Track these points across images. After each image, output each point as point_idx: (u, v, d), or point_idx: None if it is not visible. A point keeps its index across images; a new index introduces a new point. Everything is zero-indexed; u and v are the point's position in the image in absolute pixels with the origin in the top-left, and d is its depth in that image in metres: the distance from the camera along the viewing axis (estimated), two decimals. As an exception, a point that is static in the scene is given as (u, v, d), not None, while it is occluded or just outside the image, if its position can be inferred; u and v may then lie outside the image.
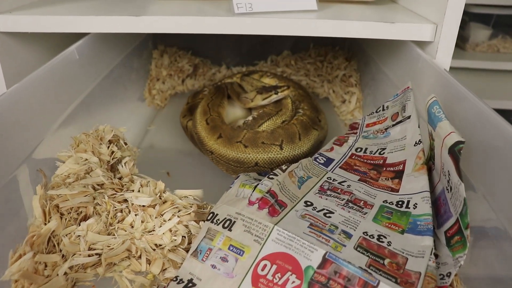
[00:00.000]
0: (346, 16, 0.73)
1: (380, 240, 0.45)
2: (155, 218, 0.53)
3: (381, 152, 0.63)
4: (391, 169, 0.59)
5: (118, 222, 0.53)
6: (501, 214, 0.44)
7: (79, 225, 0.51)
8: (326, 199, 0.52)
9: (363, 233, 0.46)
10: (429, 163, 0.56)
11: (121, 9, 0.73)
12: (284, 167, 0.54)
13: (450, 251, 0.46)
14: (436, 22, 0.70)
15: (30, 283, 0.45)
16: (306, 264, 0.41)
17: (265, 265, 0.42)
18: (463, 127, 0.53)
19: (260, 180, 0.53)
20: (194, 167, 0.80)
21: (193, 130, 0.77)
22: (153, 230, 0.52)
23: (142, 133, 0.93)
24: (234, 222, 0.46)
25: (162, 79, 1.11)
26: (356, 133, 0.71)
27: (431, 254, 0.43)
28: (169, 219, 0.53)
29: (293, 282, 0.40)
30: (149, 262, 0.51)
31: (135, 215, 0.53)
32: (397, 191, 0.55)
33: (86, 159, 0.58)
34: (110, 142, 0.63)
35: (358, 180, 0.58)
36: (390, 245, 0.45)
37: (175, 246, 0.51)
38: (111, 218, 0.53)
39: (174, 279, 0.45)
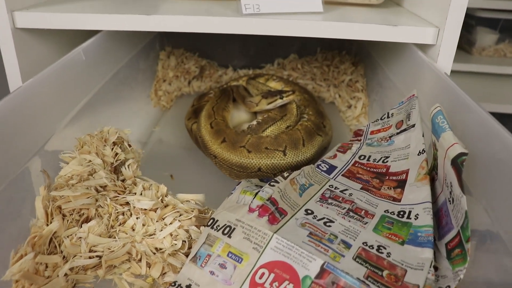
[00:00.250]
0: (350, 18, 0.74)
1: (380, 251, 0.45)
2: (156, 221, 0.53)
3: (385, 161, 0.63)
4: (394, 178, 0.59)
5: (119, 225, 0.53)
6: (502, 229, 0.44)
7: (81, 226, 0.51)
8: (327, 207, 0.52)
9: (363, 243, 0.46)
10: (432, 173, 0.56)
11: (133, 8, 0.75)
12: (285, 174, 0.54)
13: (450, 264, 0.45)
14: (438, 26, 0.71)
15: (31, 283, 0.45)
16: (304, 274, 0.41)
17: (263, 273, 0.42)
18: (461, 130, 0.53)
19: (261, 186, 0.53)
20: (198, 170, 0.81)
21: (197, 133, 0.77)
22: (154, 234, 0.52)
23: (147, 134, 0.94)
24: (234, 229, 0.46)
25: (169, 80, 1.12)
26: (360, 140, 0.71)
27: (430, 267, 0.43)
28: (170, 223, 0.53)
29: (291, 291, 0.40)
30: (149, 265, 0.51)
31: (137, 218, 0.53)
32: (399, 200, 0.54)
33: (90, 161, 0.58)
34: (114, 144, 0.63)
35: (360, 188, 0.58)
36: (389, 256, 0.45)
37: (175, 250, 0.51)
38: (112, 220, 0.53)
39: (173, 284, 0.45)
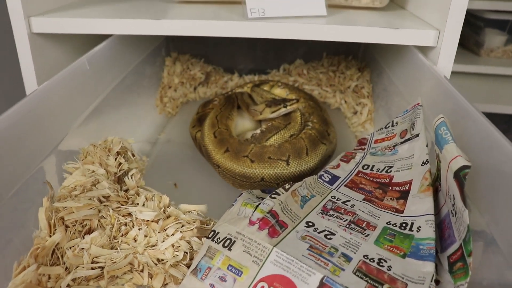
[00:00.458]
0: (353, 21, 0.76)
1: (381, 264, 0.45)
2: (158, 232, 0.53)
3: (388, 170, 0.62)
4: (397, 188, 0.58)
5: (121, 236, 0.53)
6: (505, 242, 0.43)
7: (83, 238, 0.52)
8: (328, 219, 0.52)
9: (364, 256, 0.46)
10: (436, 183, 0.56)
11: (143, 13, 0.79)
12: (287, 186, 0.54)
13: (452, 278, 0.45)
14: (439, 28, 0.72)
15: (33, 295, 0.46)
16: (303, 288, 0.41)
17: (262, 287, 0.42)
18: (459, 133, 0.53)
19: (263, 198, 0.53)
20: (202, 178, 0.81)
21: (201, 142, 0.77)
22: (156, 245, 0.53)
23: (152, 141, 0.94)
24: (234, 241, 0.46)
25: (174, 86, 1.12)
26: (364, 149, 0.70)
27: (431, 281, 0.43)
28: (172, 234, 0.53)
29: (290, 306, 0.40)
30: (151, 276, 0.52)
31: (139, 229, 0.53)
32: (402, 212, 0.54)
33: (93, 171, 0.59)
34: (118, 153, 0.64)
35: (363, 199, 0.57)
36: (390, 269, 0.44)
37: (177, 261, 0.51)
38: (115, 231, 0.54)
39: (173, 296, 0.45)
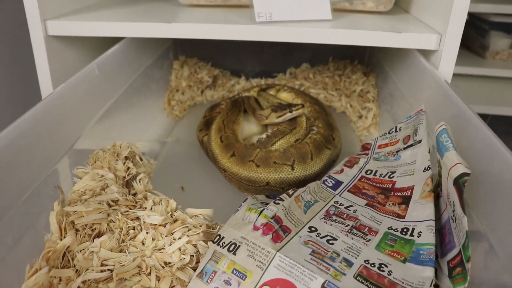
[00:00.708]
0: (357, 25, 0.78)
1: (381, 269, 0.46)
2: (166, 236, 0.55)
3: (391, 176, 0.63)
4: (399, 194, 0.59)
5: (130, 239, 0.55)
6: (503, 249, 0.44)
7: (93, 241, 0.53)
8: (331, 224, 0.53)
9: (365, 261, 0.47)
10: (437, 189, 0.57)
11: (154, 17, 0.82)
12: (291, 191, 0.56)
13: (451, 283, 0.46)
14: (441, 32, 0.73)
15: (45, 297, 0.48)
16: (305, 292, 0.42)
17: (266, 291, 0.44)
18: (458, 138, 0.54)
19: (267, 203, 0.54)
20: (209, 182, 0.82)
21: (208, 146, 0.79)
22: (163, 248, 0.54)
23: (160, 144, 0.96)
24: (239, 246, 0.48)
25: (182, 90, 1.14)
26: (367, 154, 0.71)
27: (431, 286, 0.44)
28: (179, 238, 0.55)
29: (292, 309, 0.42)
30: (158, 279, 0.53)
31: (147, 233, 0.55)
32: (403, 217, 0.55)
33: (102, 175, 0.61)
34: (126, 158, 0.65)
35: (365, 204, 0.59)
36: (390, 274, 0.46)
37: (184, 265, 0.53)
38: (123, 235, 0.55)
39: (180, 299, 0.47)
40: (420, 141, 0.63)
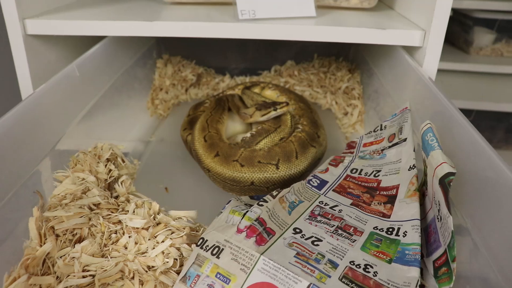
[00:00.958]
0: (341, 22, 0.78)
1: (367, 270, 0.46)
2: (148, 240, 0.54)
3: (376, 174, 0.63)
4: (384, 193, 0.59)
5: (112, 243, 0.54)
6: (486, 249, 0.44)
7: (74, 246, 0.52)
8: (316, 225, 0.52)
9: (350, 262, 0.47)
10: (423, 188, 0.57)
11: (136, 15, 0.80)
12: (275, 192, 0.55)
13: (437, 283, 0.46)
14: (425, 29, 0.74)
15: (24, 305, 0.46)
16: (290, 296, 0.42)
17: (250, 295, 0.43)
18: (442, 135, 0.54)
19: (251, 205, 0.54)
20: (192, 182, 0.81)
21: (191, 146, 0.78)
22: (146, 252, 0.53)
23: (144, 144, 0.95)
24: (222, 249, 0.47)
25: (165, 88, 1.12)
26: (352, 152, 0.71)
27: (416, 286, 0.44)
28: (162, 241, 0.54)
29: (277, 314, 0.41)
30: (141, 283, 0.52)
31: (129, 237, 0.54)
32: (389, 217, 0.55)
33: (83, 179, 0.59)
34: (107, 160, 0.64)
35: (351, 204, 0.58)
36: (376, 275, 0.45)
37: (167, 268, 0.52)
38: (105, 239, 0.54)
39: (163, 305, 0.46)
40: (405, 140, 0.63)
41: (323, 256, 0.47)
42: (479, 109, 1.33)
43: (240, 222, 0.49)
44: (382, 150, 0.67)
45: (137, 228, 0.54)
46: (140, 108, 1.05)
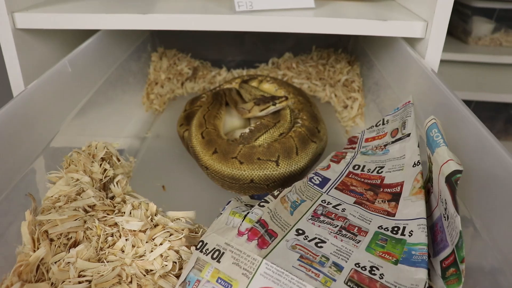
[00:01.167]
0: (341, 14, 0.76)
1: (373, 272, 0.44)
2: (146, 242, 0.52)
3: (379, 171, 0.61)
4: (388, 190, 0.57)
5: (108, 247, 0.52)
6: (496, 250, 0.43)
7: (69, 251, 0.50)
8: (319, 226, 0.51)
9: (355, 264, 0.45)
10: (428, 185, 0.55)
11: (129, 8, 0.78)
12: (276, 192, 0.53)
13: (445, 284, 0.44)
14: (427, 20, 0.72)
15: (18, 313, 0.45)
16: (295, 302, 0.40)
17: (253, 301, 0.41)
18: (446, 128, 0.53)
19: (251, 206, 0.52)
20: (190, 179, 0.80)
21: (188, 143, 0.76)
22: (144, 255, 0.51)
23: (139, 140, 0.93)
24: (223, 253, 0.45)
25: (161, 82, 1.10)
26: (354, 148, 0.69)
27: (424, 288, 0.42)
28: (160, 244, 0.52)
29: (281, 321, 0.40)
30: (140, 287, 0.51)
31: (126, 239, 0.52)
32: (394, 215, 0.53)
33: (78, 179, 0.57)
34: (102, 159, 0.62)
35: (354, 202, 0.57)
36: (382, 278, 0.44)
37: (166, 272, 0.50)
38: (101, 242, 0.52)
39: (162, 311, 0.44)
40: (408, 135, 0.61)
41: (328, 259, 0.45)
42: (478, 100, 1.31)
43: (241, 224, 0.47)
44: (385, 145, 0.65)
45: (134, 230, 0.53)
46: (135, 103, 1.02)
